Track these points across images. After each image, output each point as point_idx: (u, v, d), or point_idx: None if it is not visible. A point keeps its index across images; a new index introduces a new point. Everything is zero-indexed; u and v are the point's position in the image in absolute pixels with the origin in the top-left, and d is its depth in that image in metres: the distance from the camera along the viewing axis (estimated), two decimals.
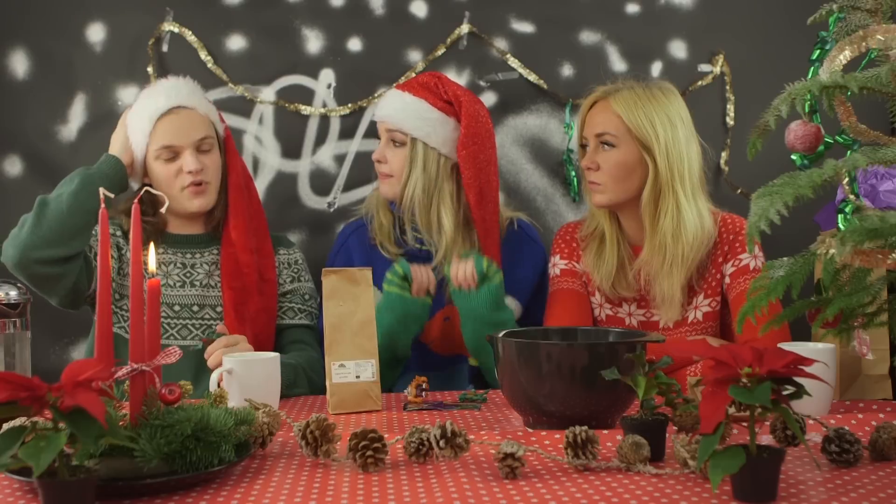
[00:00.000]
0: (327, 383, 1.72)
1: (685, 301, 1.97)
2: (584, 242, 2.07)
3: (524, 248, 2.20)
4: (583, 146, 2.02)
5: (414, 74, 2.54)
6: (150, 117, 2.04)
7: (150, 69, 2.53)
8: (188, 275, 2.10)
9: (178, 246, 2.12)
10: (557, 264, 2.08)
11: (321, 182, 2.60)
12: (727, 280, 1.97)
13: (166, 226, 2.11)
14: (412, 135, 2.08)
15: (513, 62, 2.59)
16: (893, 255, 1.14)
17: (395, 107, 2.10)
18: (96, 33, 2.54)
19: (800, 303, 1.31)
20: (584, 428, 1.21)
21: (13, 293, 1.46)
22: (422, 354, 2.11)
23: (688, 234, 1.90)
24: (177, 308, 2.07)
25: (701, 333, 2.00)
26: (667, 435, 1.27)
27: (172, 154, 2.03)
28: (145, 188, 1.51)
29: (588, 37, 2.62)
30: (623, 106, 1.94)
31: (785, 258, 1.28)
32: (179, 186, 2.04)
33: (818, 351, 1.56)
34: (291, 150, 2.59)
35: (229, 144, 2.15)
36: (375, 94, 2.56)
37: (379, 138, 2.18)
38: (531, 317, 2.17)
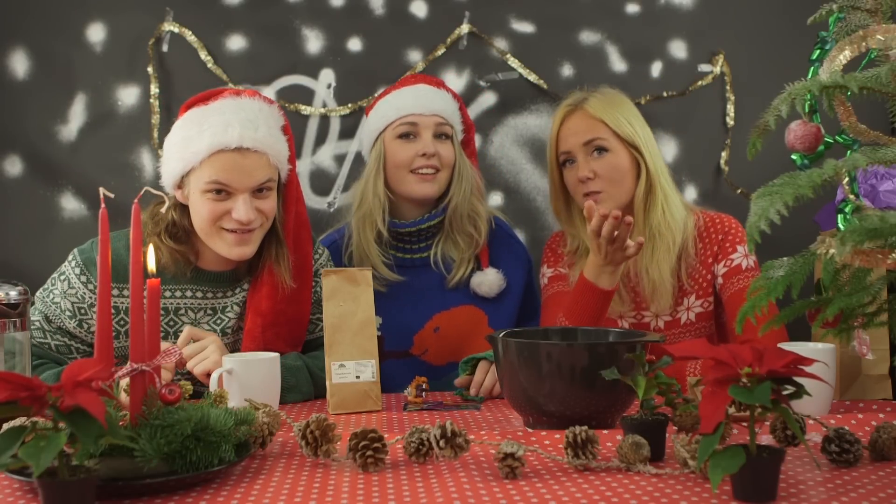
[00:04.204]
0: (327, 383, 1.72)
1: (676, 289, 1.97)
2: (568, 259, 2.06)
3: (510, 247, 2.19)
4: (562, 164, 2.01)
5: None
6: (211, 145, 1.76)
7: (150, 69, 2.53)
8: (218, 321, 1.91)
9: (208, 285, 1.90)
10: (545, 273, 2.08)
11: (321, 182, 2.60)
12: (720, 280, 1.97)
13: (198, 258, 1.89)
14: (456, 128, 2.12)
15: (513, 62, 2.59)
16: (893, 255, 1.14)
17: (443, 101, 2.11)
18: (96, 33, 2.54)
19: (800, 303, 1.30)
20: (584, 428, 1.21)
21: (13, 293, 1.45)
22: (413, 367, 2.07)
23: (677, 223, 1.97)
24: None
25: (694, 335, 2.00)
26: (667, 435, 1.27)
27: (224, 194, 1.79)
28: (145, 189, 1.38)
29: (588, 37, 2.62)
30: (602, 111, 1.97)
31: (785, 258, 1.28)
32: (221, 228, 1.81)
33: (818, 351, 1.56)
34: None
35: (290, 187, 1.91)
36: (375, 95, 2.56)
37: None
38: (524, 316, 2.18)
